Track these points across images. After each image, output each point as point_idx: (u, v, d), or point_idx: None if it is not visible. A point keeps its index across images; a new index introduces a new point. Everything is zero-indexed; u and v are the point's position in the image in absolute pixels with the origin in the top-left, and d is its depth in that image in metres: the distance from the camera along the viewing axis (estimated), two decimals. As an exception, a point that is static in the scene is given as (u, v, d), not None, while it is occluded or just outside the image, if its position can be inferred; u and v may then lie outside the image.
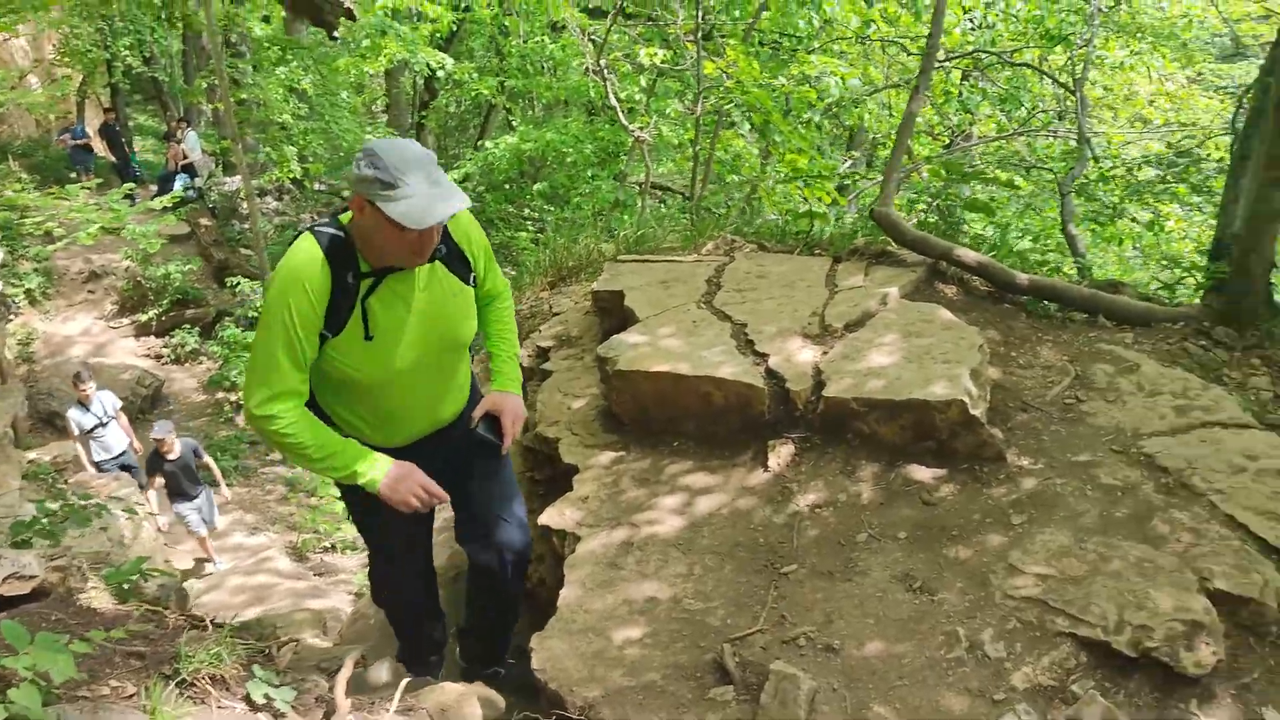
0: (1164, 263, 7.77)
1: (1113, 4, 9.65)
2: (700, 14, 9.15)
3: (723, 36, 10.24)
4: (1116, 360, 3.64)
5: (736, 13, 10.83)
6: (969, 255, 4.11)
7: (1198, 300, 4.39)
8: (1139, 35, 9.82)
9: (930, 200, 8.51)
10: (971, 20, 10.83)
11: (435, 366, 2.65)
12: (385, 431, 2.68)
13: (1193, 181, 7.03)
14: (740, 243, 4.90)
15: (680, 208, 9.20)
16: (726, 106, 8.31)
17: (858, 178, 10.26)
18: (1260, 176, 3.78)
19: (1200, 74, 13.16)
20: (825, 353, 3.57)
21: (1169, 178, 7.23)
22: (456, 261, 2.62)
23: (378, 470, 2.50)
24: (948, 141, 12.78)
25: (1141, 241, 8.56)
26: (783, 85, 8.96)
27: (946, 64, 9.76)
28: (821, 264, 4.45)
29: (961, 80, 11.62)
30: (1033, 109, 10.16)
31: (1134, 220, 7.39)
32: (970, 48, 9.86)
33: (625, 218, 9.47)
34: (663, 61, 9.15)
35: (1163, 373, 3.51)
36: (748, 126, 9.07)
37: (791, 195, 7.93)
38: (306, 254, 2.36)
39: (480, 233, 2.74)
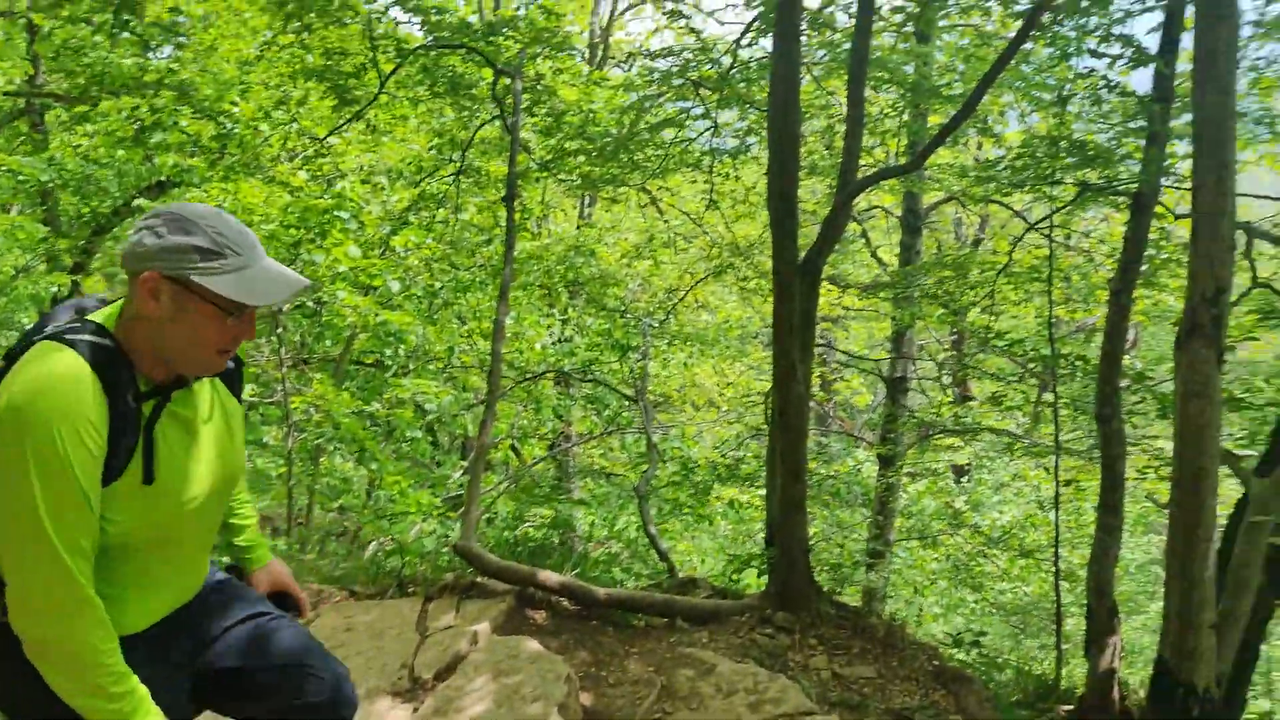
0: (745, 541, 8.57)
1: (662, 319, 11.13)
2: (288, 349, 9.17)
3: (314, 370, 10.30)
4: (696, 663, 3.83)
5: (328, 342, 11.00)
6: (551, 578, 4.24)
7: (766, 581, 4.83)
8: (687, 343, 11.33)
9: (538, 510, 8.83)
10: (551, 334, 11.89)
11: (214, 514, 1.95)
12: (138, 610, 1.83)
13: (743, 473, 8.00)
14: (329, 592, 4.67)
15: (286, 544, 8.72)
16: (317, 440, 8.23)
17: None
18: (780, 470, 4.35)
19: (754, 365, 15.35)
20: (416, 709, 3.41)
21: (723, 471, 8.15)
22: (235, 377, 2.00)
23: None
24: (551, 443, 13.55)
25: (727, 521, 9.44)
26: (378, 410, 9.08)
27: (534, 378, 10.49)
28: (412, 606, 4.34)
29: (554, 385, 12.55)
30: (617, 410, 11.13)
31: (704, 509, 8.16)
32: (552, 358, 10.72)
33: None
34: (251, 395, 8.95)
35: (736, 669, 3.74)
36: (338, 458, 9.00)
37: (396, 521, 7.86)
38: (68, 370, 1.59)
39: None
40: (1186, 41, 4.73)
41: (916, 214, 9.81)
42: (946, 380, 11.92)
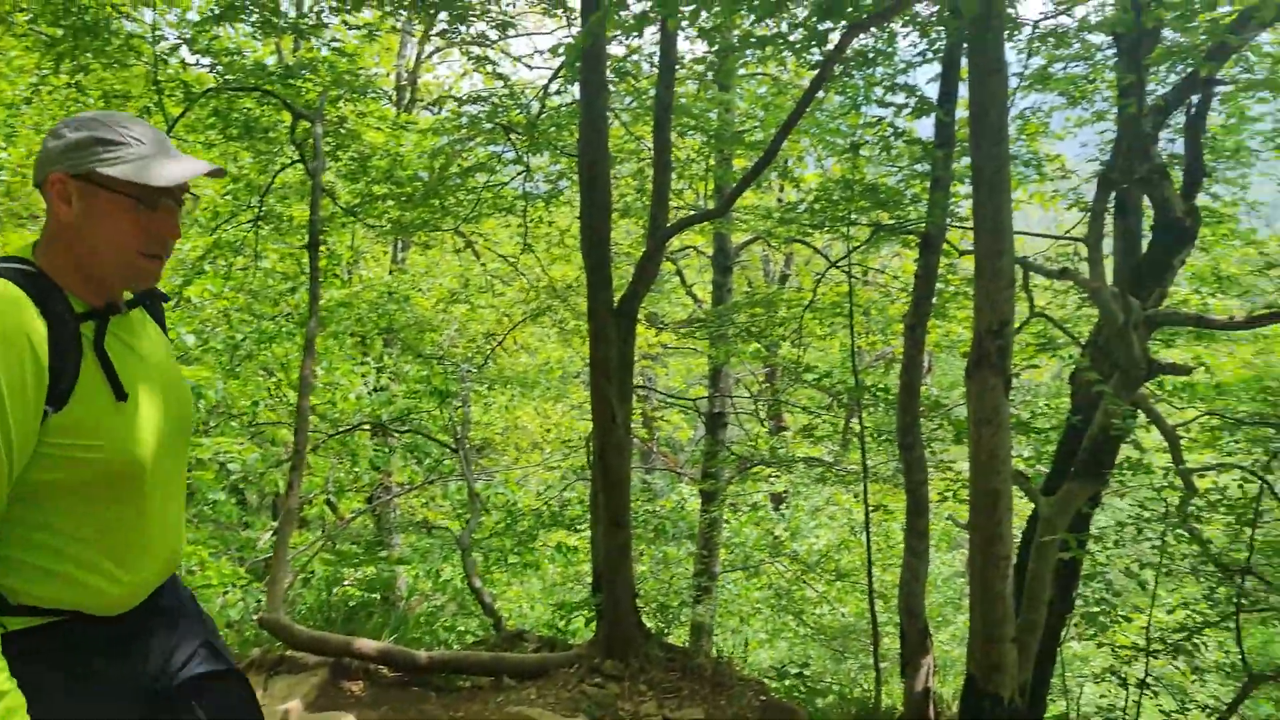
0: (574, 585, 8.48)
1: (481, 364, 10.98)
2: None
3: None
4: (524, 722, 3.72)
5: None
6: (369, 646, 4.03)
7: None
8: (508, 386, 11.21)
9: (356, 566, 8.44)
10: (366, 383, 11.48)
11: (179, 455, 1.75)
12: (123, 567, 1.62)
13: (570, 516, 7.95)
14: (119, 679, 4.27)
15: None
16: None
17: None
18: (603, 518, 4.32)
19: (577, 405, 15.33)
20: (220, 803, 3.12)
21: (548, 517, 8.08)
22: (160, 313, 1.85)
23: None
24: (369, 496, 13.03)
25: (555, 564, 9.32)
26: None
27: (349, 430, 10.09)
28: (215, 687, 4.02)
29: (372, 436, 12.10)
30: (438, 458, 10.84)
31: (530, 556, 8.06)
32: (368, 408, 10.34)
33: None
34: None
35: (565, 725, 3.66)
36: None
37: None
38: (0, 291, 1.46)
39: None
40: (964, 91, 5.09)
41: (726, 253, 10.11)
42: (762, 413, 12.29)
